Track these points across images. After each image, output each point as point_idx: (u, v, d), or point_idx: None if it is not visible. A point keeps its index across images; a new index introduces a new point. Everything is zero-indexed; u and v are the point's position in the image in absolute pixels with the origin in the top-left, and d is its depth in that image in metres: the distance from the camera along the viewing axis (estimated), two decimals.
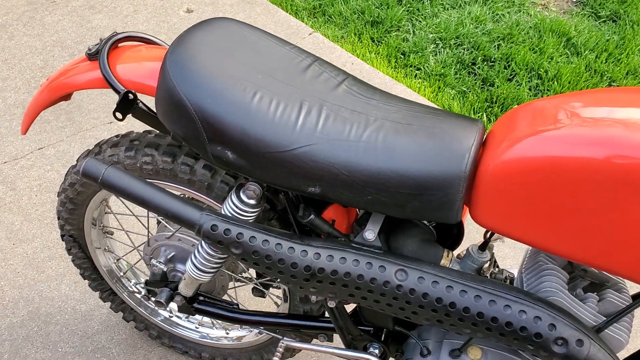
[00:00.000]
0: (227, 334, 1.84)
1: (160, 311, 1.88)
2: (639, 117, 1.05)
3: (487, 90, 2.97)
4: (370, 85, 1.26)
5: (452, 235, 1.35)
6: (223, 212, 1.27)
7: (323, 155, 1.12)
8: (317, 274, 1.18)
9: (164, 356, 1.97)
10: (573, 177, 1.02)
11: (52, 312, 2.04)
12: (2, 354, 1.93)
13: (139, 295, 1.84)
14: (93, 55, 1.32)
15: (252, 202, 1.25)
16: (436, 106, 2.86)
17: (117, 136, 1.44)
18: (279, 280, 1.21)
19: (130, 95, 1.26)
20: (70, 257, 1.75)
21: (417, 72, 3.06)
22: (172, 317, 1.88)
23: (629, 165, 0.99)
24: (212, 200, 1.38)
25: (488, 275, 1.30)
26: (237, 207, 1.25)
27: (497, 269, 1.34)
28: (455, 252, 1.35)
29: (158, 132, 1.40)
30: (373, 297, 1.18)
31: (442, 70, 3.03)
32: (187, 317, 1.88)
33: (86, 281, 1.84)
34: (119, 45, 1.37)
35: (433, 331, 1.37)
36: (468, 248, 1.29)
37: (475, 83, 3.00)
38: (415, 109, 1.20)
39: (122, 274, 1.82)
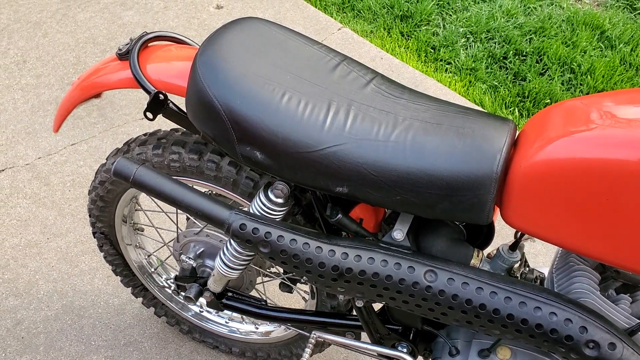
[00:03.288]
0: (257, 328, 1.86)
1: (191, 306, 1.90)
2: None
3: (519, 84, 2.93)
4: (400, 84, 1.25)
5: (482, 234, 1.33)
6: (251, 211, 1.28)
7: (351, 155, 1.12)
8: (345, 274, 1.18)
9: (195, 350, 2.00)
10: (606, 178, 1.00)
11: (85, 306, 2.08)
12: (38, 346, 1.98)
13: (169, 291, 1.86)
14: (123, 55, 1.33)
15: (280, 201, 1.25)
16: (468, 102, 2.83)
17: (145, 135, 1.46)
18: (306, 279, 1.22)
19: (160, 95, 1.28)
20: (102, 253, 1.78)
21: (447, 66, 3.04)
22: (202, 312, 1.90)
23: None
24: (238, 196, 1.39)
25: (518, 275, 1.29)
26: (265, 205, 1.26)
27: (527, 268, 1.32)
28: (486, 251, 1.34)
29: (185, 130, 1.42)
30: (402, 297, 1.18)
31: (473, 65, 3.00)
32: (217, 312, 1.90)
33: (118, 277, 1.88)
34: (149, 44, 1.38)
35: (462, 331, 1.36)
36: (498, 248, 1.28)
37: (507, 77, 2.96)
38: (445, 108, 1.19)
39: (153, 269, 1.85)
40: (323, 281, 1.20)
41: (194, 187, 1.38)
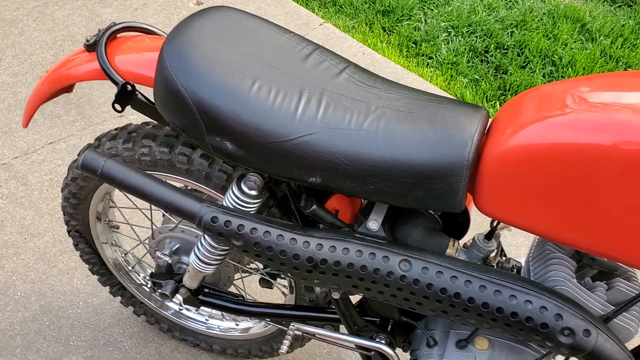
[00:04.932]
0: (237, 325, 1.84)
1: (170, 304, 1.87)
2: None
3: (500, 78, 2.93)
4: (372, 73, 1.24)
5: (458, 224, 1.32)
6: (225, 204, 1.26)
7: (323, 144, 1.10)
8: (320, 265, 1.16)
9: (176, 349, 1.97)
10: (580, 164, 0.99)
11: (64, 306, 2.05)
12: (15, 348, 1.94)
13: (147, 289, 1.84)
14: (91, 47, 1.31)
15: (254, 192, 1.23)
16: (449, 96, 2.82)
17: (116, 129, 1.44)
18: (281, 271, 1.20)
19: (128, 86, 1.25)
20: (78, 252, 1.75)
21: (429, 61, 3.03)
22: (181, 310, 1.88)
23: (637, 151, 0.96)
24: (211, 190, 1.37)
25: (495, 264, 1.28)
26: (238, 198, 1.24)
27: (504, 257, 1.31)
28: (463, 241, 1.32)
29: (156, 123, 1.39)
30: (377, 288, 1.16)
31: (455, 59, 2.99)
32: (196, 310, 1.88)
33: (96, 276, 1.85)
34: (118, 35, 1.36)
35: (440, 322, 1.35)
36: (474, 237, 1.27)
37: (488, 71, 2.96)
38: (417, 97, 1.17)
39: (130, 268, 1.82)
40: (298, 273, 1.19)
41: (167, 181, 1.35)
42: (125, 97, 1.26)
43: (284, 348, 1.38)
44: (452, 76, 2.94)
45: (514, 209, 1.07)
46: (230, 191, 1.25)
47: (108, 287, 1.86)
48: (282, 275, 1.58)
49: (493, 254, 1.28)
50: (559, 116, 1.04)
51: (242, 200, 1.24)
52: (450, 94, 2.85)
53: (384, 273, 1.14)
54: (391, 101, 1.15)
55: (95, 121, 2.58)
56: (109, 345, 1.97)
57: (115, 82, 1.26)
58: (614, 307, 1.14)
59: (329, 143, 1.10)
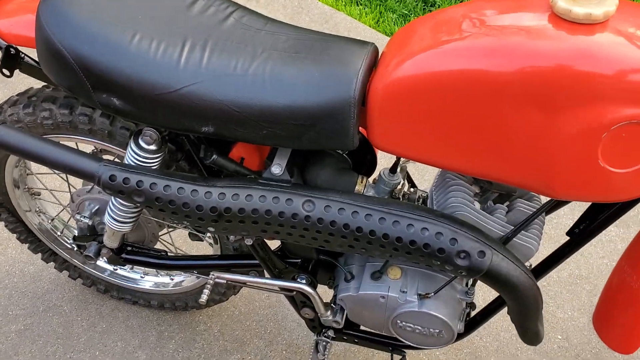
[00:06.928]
0: (172, 280, 1.85)
1: (104, 265, 1.87)
2: (542, 23, 1.00)
3: (429, 10, 2.91)
4: (262, 16, 1.22)
5: (366, 161, 1.34)
6: (126, 161, 1.25)
7: (210, 92, 1.09)
8: (224, 214, 1.17)
9: (116, 308, 1.99)
10: (466, 90, 1.00)
11: None
12: None
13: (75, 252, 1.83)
14: None
15: (152, 147, 1.23)
16: (379, 34, 2.81)
17: (18, 94, 1.40)
18: (187, 224, 1.21)
19: (11, 50, 1.22)
20: (2, 222, 1.73)
21: None
22: (116, 270, 1.88)
23: (528, 75, 0.96)
24: (117, 148, 1.36)
25: (401, 196, 1.30)
26: (137, 154, 1.23)
27: (412, 189, 1.34)
28: (373, 177, 1.34)
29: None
30: (284, 230, 1.18)
31: None
32: (131, 268, 1.88)
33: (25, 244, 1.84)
34: None
35: (356, 257, 1.38)
36: (380, 172, 1.29)
37: (417, 5, 2.93)
38: (305, 37, 1.16)
39: (59, 233, 1.81)
40: (204, 224, 1.19)
41: (64, 144, 1.33)
42: (11, 61, 1.23)
43: (204, 297, 1.40)
44: (381, 13, 2.91)
45: (403, 141, 1.08)
46: (130, 148, 1.24)
47: (40, 254, 1.85)
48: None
49: (399, 187, 1.30)
50: (445, 44, 1.03)
51: (140, 156, 1.23)
52: (379, 32, 2.83)
53: (289, 215, 1.16)
54: (278, 43, 1.14)
55: (19, 88, 2.51)
56: (48, 311, 1.98)
57: None
58: (513, 228, 1.17)
59: (216, 91, 1.09)
